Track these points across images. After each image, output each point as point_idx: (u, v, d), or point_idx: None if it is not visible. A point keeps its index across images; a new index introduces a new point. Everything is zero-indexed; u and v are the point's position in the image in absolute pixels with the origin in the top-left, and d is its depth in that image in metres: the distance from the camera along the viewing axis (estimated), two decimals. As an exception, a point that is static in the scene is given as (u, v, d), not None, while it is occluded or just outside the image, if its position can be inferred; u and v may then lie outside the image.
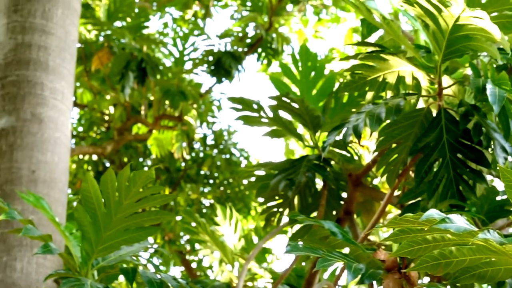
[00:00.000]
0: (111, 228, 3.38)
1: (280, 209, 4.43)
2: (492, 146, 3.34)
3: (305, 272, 5.24)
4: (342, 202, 4.41)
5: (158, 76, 9.82)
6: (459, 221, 2.19)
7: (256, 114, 4.46)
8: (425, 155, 3.44)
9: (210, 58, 10.82)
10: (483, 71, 3.32)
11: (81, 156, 11.17)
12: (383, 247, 2.96)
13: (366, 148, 5.56)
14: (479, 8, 3.20)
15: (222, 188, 11.99)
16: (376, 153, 3.94)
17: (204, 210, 11.87)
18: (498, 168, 3.43)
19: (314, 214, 4.37)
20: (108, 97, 10.53)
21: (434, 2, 3.16)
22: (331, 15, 12.91)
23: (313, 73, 4.84)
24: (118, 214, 3.35)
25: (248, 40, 11.29)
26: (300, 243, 2.81)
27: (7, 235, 4.27)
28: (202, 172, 12.09)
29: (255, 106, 4.40)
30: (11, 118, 4.54)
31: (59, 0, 4.87)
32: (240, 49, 11.10)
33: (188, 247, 11.54)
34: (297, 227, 4.45)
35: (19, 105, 4.56)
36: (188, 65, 10.95)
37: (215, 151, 12.03)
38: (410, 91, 3.59)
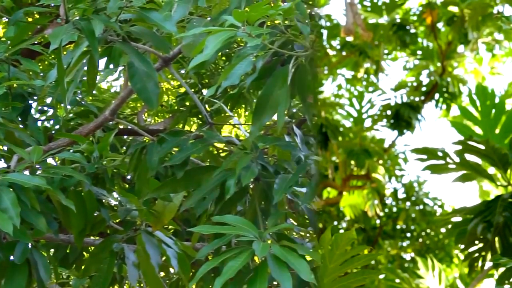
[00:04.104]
0: (320, 293, 3.41)
1: (482, 253, 4.34)
2: None
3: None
4: (545, 238, 4.27)
5: (340, 138, 9.88)
6: None
7: (442, 162, 4.42)
8: None
9: (388, 112, 10.79)
10: None
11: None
12: None
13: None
14: None
15: (420, 240, 11.81)
16: None
17: (406, 265, 11.71)
18: None
19: (519, 253, 4.25)
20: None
21: None
22: (504, 49, 12.61)
23: (493, 111, 4.75)
24: (324, 279, 3.38)
25: (424, 88, 11.20)
26: (508, 286, 2.75)
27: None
28: (398, 227, 11.97)
29: (440, 154, 4.37)
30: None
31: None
32: (417, 99, 11.01)
33: (395, 304, 11.39)
34: (503, 268, 4.34)
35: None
36: (367, 123, 10.96)
37: (408, 203, 11.91)
38: None
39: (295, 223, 5.93)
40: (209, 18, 4.42)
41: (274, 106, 3.71)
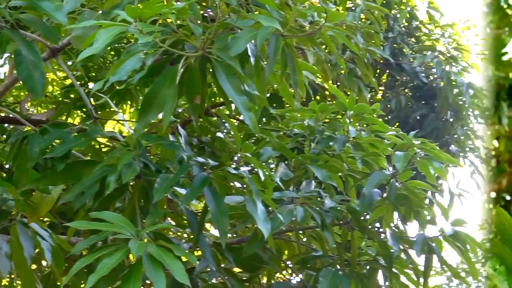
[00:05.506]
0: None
1: None
2: None
3: None
4: None
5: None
6: None
7: None
8: None
9: None
10: None
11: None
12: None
13: None
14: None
15: None
16: None
17: None
18: None
19: None
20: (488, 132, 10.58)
21: None
22: None
23: None
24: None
25: None
26: None
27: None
28: None
29: None
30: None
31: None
32: None
33: None
34: None
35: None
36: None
37: None
38: None
39: (174, 223, 5.94)
40: (101, 12, 4.38)
41: (161, 105, 3.70)
